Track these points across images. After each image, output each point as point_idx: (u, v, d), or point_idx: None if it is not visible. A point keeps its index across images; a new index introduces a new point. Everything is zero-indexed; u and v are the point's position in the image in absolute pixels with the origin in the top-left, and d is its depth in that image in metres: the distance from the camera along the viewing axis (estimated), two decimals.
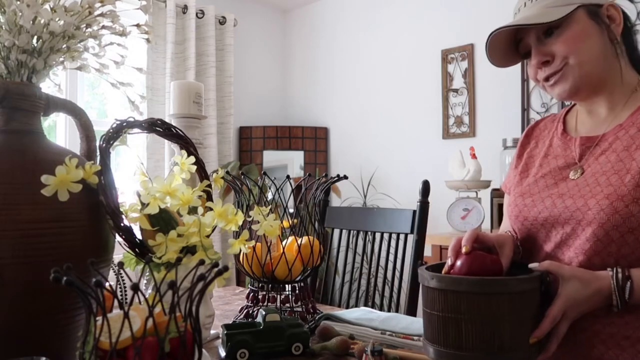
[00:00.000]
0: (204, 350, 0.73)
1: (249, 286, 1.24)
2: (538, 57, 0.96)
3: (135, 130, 0.96)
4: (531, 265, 0.86)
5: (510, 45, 1.01)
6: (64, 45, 0.88)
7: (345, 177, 1.27)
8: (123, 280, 0.79)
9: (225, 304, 1.43)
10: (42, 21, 0.84)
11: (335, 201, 3.47)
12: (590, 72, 0.93)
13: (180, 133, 1.05)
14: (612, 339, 0.87)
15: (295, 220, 1.25)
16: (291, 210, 1.26)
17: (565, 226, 0.92)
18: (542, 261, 0.97)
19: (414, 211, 1.54)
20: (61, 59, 0.91)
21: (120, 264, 0.74)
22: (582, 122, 1.03)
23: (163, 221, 0.93)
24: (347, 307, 1.67)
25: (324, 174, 1.32)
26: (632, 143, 0.90)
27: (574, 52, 0.92)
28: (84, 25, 0.90)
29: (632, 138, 0.91)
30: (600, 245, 0.87)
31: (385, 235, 1.66)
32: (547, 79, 0.97)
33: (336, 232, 1.89)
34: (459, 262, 0.84)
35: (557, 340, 0.81)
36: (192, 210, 0.97)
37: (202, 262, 0.71)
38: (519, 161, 1.12)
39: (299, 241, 1.20)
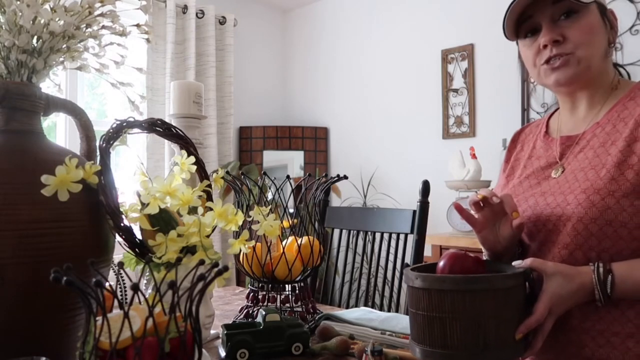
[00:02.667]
0: (204, 350, 0.73)
1: (249, 286, 1.24)
2: (550, 34, 0.95)
3: (135, 130, 0.96)
4: (515, 263, 0.87)
5: (515, 20, 1.00)
6: (64, 45, 0.88)
7: (345, 177, 1.27)
8: (123, 280, 0.79)
9: (225, 304, 1.43)
10: (42, 21, 0.84)
11: (335, 201, 3.47)
12: (592, 65, 0.96)
13: (180, 133, 1.05)
14: (601, 335, 0.87)
15: (295, 220, 1.25)
16: (291, 210, 1.26)
17: (547, 223, 0.94)
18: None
19: (414, 211, 1.54)
20: (61, 59, 0.91)
21: (120, 264, 0.74)
22: (565, 122, 1.06)
23: (163, 221, 0.93)
24: (347, 307, 1.67)
25: (324, 174, 1.32)
26: (608, 139, 0.93)
27: (586, 43, 0.94)
28: (84, 25, 0.90)
29: (607, 134, 0.94)
30: (581, 239, 0.88)
31: (385, 235, 1.66)
32: (548, 61, 0.96)
33: (336, 232, 1.89)
34: (441, 263, 0.84)
35: (543, 337, 0.81)
36: (192, 210, 0.97)
37: (202, 262, 0.71)
38: (506, 165, 1.16)
39: (299, 241, 1.20)
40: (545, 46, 0.96)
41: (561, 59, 0.95)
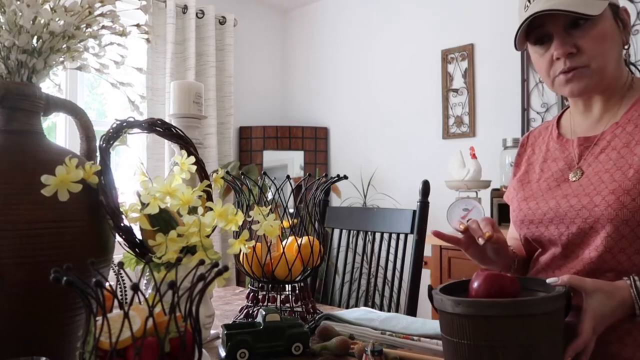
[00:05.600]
0: (204, 350, 0.73)
1: (249, 286, 1.24)
2: (564, 47, 0.92)
3: (135, 130, 0.96)
4: (550, 280, 0.83)
5: (525, 27, 0.96)
6: (64, 45, 0.88)
7: (345, 177, 1.26)
8: (123, 280, 0.79)
9: (225, 304, 1.43)
10: (42, 21, 0.84)
11: (335, 201, 3.47)
12: (607, 75, 0.94)
13: (180, 133, 1.04)
14: (629, 335, 0.86)
15: (295, 220, 1.25)
16: (291, 210, 1.26)
17: (571, 226, 0.92)
18: (553, 262, 0.96)
19: (414, 211, 1.54)
20: (61, 59, 0.91)
21: (120, 264, 0.74)
22: (578, 124, 1.04)
23: (163, 221, 0.93)
24: (347, 307, 1.67)
25: (324, 174, 1.32)
26: (632, 139, 0.91)
27: (601, 53, 0.91)
28: (84, 25, 0.90)
29: (630, 134, 0.92)
30: (611, 242, 0.87)
31: (385, 235, 1.66)
32: (563, 72, 0.94)
33: (336, 232, 1.89)
34: (475, 284, 0.79)
35: (587, 357, 0.79)
36: (192, 210, 0.97)
37: (202, 262, 0.71)
38: (517, 170, 1.13)
39: (299, 241, 1.20)
40: (558, 58, 0.93)
41: (575, 71, 0.92)
